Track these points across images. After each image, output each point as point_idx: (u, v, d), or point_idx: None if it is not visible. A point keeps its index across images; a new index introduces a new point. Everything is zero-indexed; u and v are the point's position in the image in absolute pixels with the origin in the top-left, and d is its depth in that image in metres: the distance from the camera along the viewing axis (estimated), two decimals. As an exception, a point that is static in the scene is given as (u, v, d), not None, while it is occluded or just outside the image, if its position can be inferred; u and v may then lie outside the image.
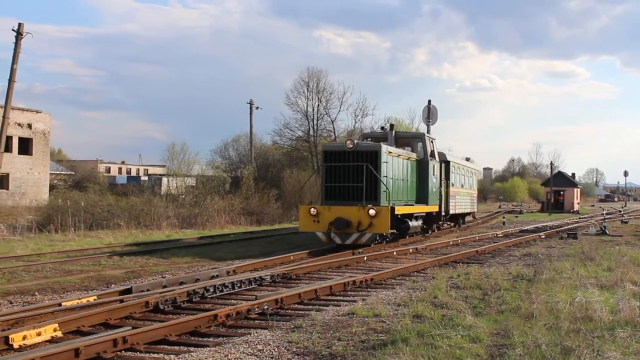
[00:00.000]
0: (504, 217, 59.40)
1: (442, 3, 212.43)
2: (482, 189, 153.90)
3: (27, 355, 9.51)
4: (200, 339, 11.76)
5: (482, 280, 18.24)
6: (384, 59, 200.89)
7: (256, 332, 11.92)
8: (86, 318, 12.39)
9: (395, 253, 26.71)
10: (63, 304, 13.89)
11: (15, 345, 10.27)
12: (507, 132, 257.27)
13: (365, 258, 24.54)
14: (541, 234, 38.73)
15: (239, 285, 16.78)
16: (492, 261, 24.67)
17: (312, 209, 26.72)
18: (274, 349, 10.69)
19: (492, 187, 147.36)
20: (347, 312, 13.92)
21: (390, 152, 28.36)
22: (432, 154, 33.78)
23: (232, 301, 15.23)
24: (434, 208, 34.54)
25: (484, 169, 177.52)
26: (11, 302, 15.46)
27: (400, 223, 29.14)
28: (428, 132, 65.38)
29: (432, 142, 34.88)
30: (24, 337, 10.48)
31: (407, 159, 31.43)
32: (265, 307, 14.08)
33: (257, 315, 13.67)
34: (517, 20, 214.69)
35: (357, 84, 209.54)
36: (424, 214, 33.02)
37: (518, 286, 17.02)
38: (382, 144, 27.46)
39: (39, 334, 10.74)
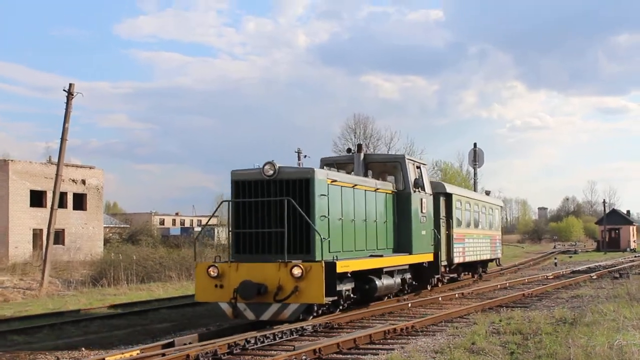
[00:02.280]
0: (555, 258, 55.90)
1: (489, 44, 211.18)
2: (536, 229, 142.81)
3: None
4: None
5: (524, 324, 17.27)
6: (432, 102, 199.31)
7: None
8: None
9: (440, 299, 24.65)
10: (106, 358, 13.64)
11: None
12: (560, 170, 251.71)
13: (409, 305, 22.62)
14: (593, 274, 35.97)
15: (280, 335, 16.06)
16: (538, 304, 23.29)
17: (212, 269, 17.38)
18: None
19: (547, 228, 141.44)
20: None
21: (335, 181, 18.63)
22: (418, 184, 23.35)
23: (272, 352, 14.57)
24: (424, 257, 24.12)
25: (539, 208, 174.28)
26: (58, 358, 15.14)
27: (363, 282, 19.81)
28: (475, 175, 58.42)
29: (418, 167, 24.34)
30: None
31: (375, 190, 21.35)
32: (303, 357, 13.41)
33: None
34: (565, 57, 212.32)
35: (405, 129, 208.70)
36: (407, 267, 22.87)
37: (560, 330, 16.17)
38: (315, 168, 17.93)
39: None
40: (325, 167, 22.91)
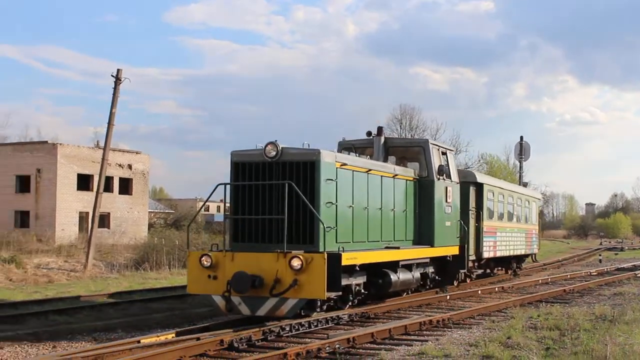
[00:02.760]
0: (600, 255, 54.84)
1: (541, 37, 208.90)
2: (583, 225, 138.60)
3: None
4: None
5: (562, 320, 16.84)
6: (481, 94, 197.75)
7: None
8: (161, 355, 12.03)
9: (479, 292, 24.29)
10: (142, 340, 13.71)
11: None
12: (610, 166, 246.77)
13: (448, 297, 22.37)
14: (638, 272, 34.75)
15: (315, 324, 15.93)
16: (579, 300, 22.75)
17: (205, 259, 15.84)
18: None
19: (594, 224, 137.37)
20: (417, 352, 13.13)
21: (345, 165, 16.82)
22: (443, 171, 21.37)
23: (307, 340, 14.60)
24: (447, 251, 22.14)
25: (586, 204, 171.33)
26: (95, 339, 15.36)
27: (376, 276, 18.10)
28: (520, 168, 57.12)
29: (443, 153, 22.35)
30: None
31: (393, 176, 19.42)
32: (337, 346, 13.32)
33: (327, 354, 12.94)
34: (619, 51, 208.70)
35: (453, 120, 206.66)
36: (428, 260, 20.99)
37: (598, 327, 15.71)
38: (322, 150, 16.04)
39: None
40: (343, 151, 20.85)
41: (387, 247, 18.46)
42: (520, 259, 33.22)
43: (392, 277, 18.07)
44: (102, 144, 42.33)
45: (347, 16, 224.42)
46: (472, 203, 25.13)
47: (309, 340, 14.54)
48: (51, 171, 55.32)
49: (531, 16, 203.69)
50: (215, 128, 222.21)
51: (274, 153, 15.79)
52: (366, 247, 17.56)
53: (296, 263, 14.87)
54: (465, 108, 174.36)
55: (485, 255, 26.10)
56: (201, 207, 20.38)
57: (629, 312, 18.36)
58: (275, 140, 15.80)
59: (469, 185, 24.96)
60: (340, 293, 15.83)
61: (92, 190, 51.36)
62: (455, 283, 24.00)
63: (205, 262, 15.80)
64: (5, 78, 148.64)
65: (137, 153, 66.42)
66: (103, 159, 36.14)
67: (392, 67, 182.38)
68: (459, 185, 22.84)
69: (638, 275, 33.51)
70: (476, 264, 26.03)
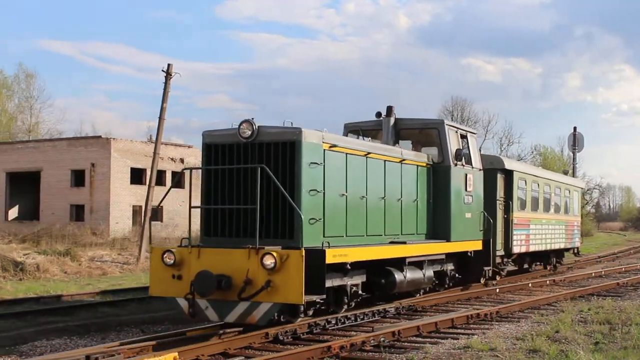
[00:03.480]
0: None
1: (596, 26, 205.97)
2: None
3: None
4: None
5: (614, 314, 16.31)
6: (534, 84, 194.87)
7: None
8: (206, 347, 11.91)
9: (530, 285, 23.46)
10: (188, 333, 13.51)
11: None
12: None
13: (497, 290, 21.53)
14: None
15: (361, 317, 15.51)
16: (632, 294, 21.75)
17: (168, 256, 13.51)
18: None
19: None
20: (463, 345, 12.86)
21: (335, 146, 14.28)
22: (461, 156, 18.62)
23: (352, 333, 14.16)
24: (467, 245, 19.33)
25: None
26: (143, 331, 15.22)
27: (378, 275, 15.81)
28: (574, 160, 54.62)
29: (463, 137, 19.59)
30: None
31: (400, 161, 16.78)
32: (382, 339, 12.96)
33: (372, 348, 12.62)
34: None
35: (506, 112, 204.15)
36: (444, 257, 18.37)
37: None
38: (305, 129, 13.51)
39: None
40: (350, 135, 18.82)
41: (391, 242, 15.93)
42: (560, 253, 30.29)
43: (396, 276, 15.63)
44: (154, 138, 42.78)
45: (399, 8, 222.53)
46: (499, 192, 22.41)
47: (355, 333, 14.10)
48: (105, 165, 55.41)
49: (587, 5, 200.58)
50: (266, 121, 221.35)
51: (249, 132, 13.42)
52: (364, 242, 15.09)
53: (269, 261, 12.38)
54: (518, 99, 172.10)
55: (516, 250, 23.33)
56: (164, 196, 16.63)
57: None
58: (252, 118, 13.43)
59: (496, 172, 22.24)
60: (323, 296, 13.07)
61: (144, 184, 51.74)
62: (482, 280, 21.21)
63: (167, 260, 13.46)
64: (61, 74, 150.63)
65: (189, 147, 66.31)
66: (155, 152, 36.15)
67: (444, 59, 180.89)
68: (482, 172, 20.12)
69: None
70: (504, 259, 23.24)
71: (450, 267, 19.03)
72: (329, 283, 13.42)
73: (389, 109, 18.78)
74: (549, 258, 28.90)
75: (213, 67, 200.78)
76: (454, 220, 18.32)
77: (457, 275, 19.54)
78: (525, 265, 28.05)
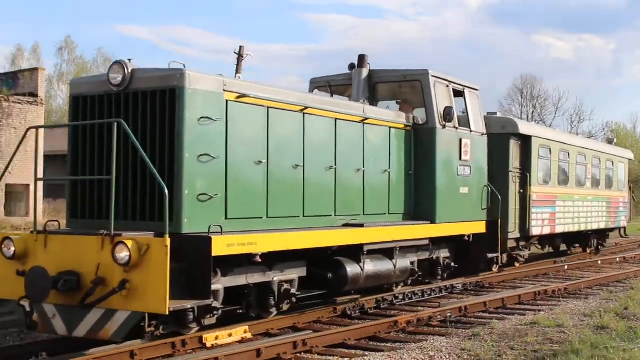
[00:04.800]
0: None
1: None
2: None
3: (213, 353, 9.23)
4: (377, 343, 10.75)
5: None
6: (607, 61, 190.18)
7: (433, 339, 10.81)
8: (275, 322, 11.49)
9: (599, 262, 22.08)
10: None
11: (208, 345, 9.84)
12: None
13: (566, 267, 20.29)
14: None
15: (429, 293, 14.83)
16: None
17: (7, 245, 9.68)
18: (445, 356, 9.81)
19: None
20: (529, 321, 12.30)
21: (245, 96, 10.31)
22: (452, 116, 14.20)
23: (419, 308, 13.70)
24: (461, 228, 15.05)
25: None
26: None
27: (325, 268, 11.94)
28: None
29: (459, 93, 15.23)
30: (216, 337, 10.10)
31: (361, 121, 12.71)
32: (448, 314, 12.58)
33: (438, 323, 12.27)
34: None
35: (577, 89, 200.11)
36: (427, 243, 14.29)
37: None
38: (190, 71, 9.57)
39: (230, 335, 10.24)
40: (316, 91, 14.84)
41: (346, 225, 11.98)
42: (602, 233, 25.41)
43: (348, 269, 11.68)
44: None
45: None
46: (513, 162, 17.77)
47: (422, 308, 13.61)
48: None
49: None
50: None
51: (119, 78, 9.51)
52: (301, 224, 11.16)
53: (122, 253, 8.47)
54: (590, 76, 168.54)
55: (535, 231, 18.65)
56: (5, 169, 11.56)
57: None
58: (129, 60, 9.58)
59: (509, 138, 17.60)
60: (209, 301, 9.22)
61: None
62: (495, 268, 17.42)
63: (6, 250, 9.60)
64: (139, 58, 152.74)
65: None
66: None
67: (515, 36, 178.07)
68: (485, 137, 15.74)
69: None
70: (520, 243, 18.83)
71: (444, 254, 14.87)
72: (228, 281, 9.80)
73: (361, 59, 14.52)
74: (588, 239, 24.27)
75: (288, 48, 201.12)
76: (441, 197, 13.94)
77: (452, 264, 15.35)
78: (561, 247, 23.65)
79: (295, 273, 11.09)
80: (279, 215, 10.68)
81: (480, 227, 15.36)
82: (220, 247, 9.05)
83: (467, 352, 10.09)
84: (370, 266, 12.25)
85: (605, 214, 24.36)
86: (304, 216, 11.18)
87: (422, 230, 13.59)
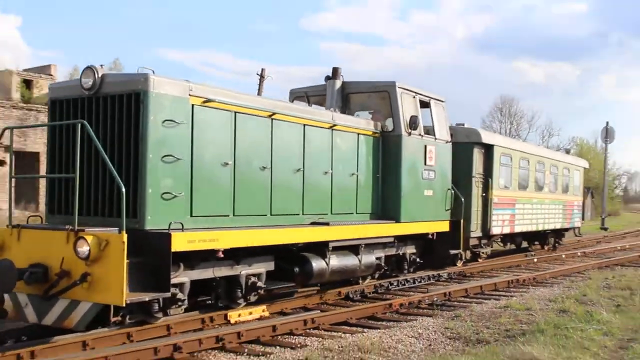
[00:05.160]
0: None
1: (629, 33, 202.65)
2: None
3: (236, 328, 9.41)
4: (375, 322, 10.96)
5: (634, 281, 15.60)
6: (574, 85, 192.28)
7: (422, 319, 11.07)
8: (289, 302, 11.68)
9: (563, 256, 22.27)
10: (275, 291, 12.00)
11: (232, 321, 10.02)
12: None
13: (535, 260, 20.64)
14: None
15: (419, 280, 14.95)
16: None
17: None
18: (432, 333, 10.06)
19: None
20: (503, 305, 12.51)
21: (210, 101, 9.80)
22: (417, 124, 13.71)
23: (411, 293, 13.72)
24: (425, 227, 14.48)
25: None
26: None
27: (293, 263, 11.46)
28: (605, 150, 49.03)
29: (425, 104, 14.57)
30: (239, 315, 10.27)
31: (330, 127, 12.18)
32: (435, 299, 12.75)
33: (426, 306, 12.44)
34: None
35: (547, 109, 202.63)
36: (393, 240, 13.74)
37: None
38: (154, 76, 9.04)
39: (250, 313, 10.37)
40: (295, 101, 14.47)
41: (313, 223, 11.41)
42: (559, 232, 24.99)
43: (313, 264, 11.18)
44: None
45: (458, 19, 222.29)
46: (477, 168, 17.32)
47: (413, 293, 13.74)
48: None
49: (620, 15, 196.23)
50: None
51: (90, 82, 9.15)
52: (268, 222, 10.58)
53: (82, 248, 8.10)
54: (558, 98, 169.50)
55: (496, 231, 18.14)
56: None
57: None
58: (101, 65, 9.21)
59: (473, 146, 17.06)
60: (168, 294, 8.69)
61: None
62: (460, 263, 16.84)
63: None
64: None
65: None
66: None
67: (496, 63, 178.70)
68: (450, 145, 15.14)
69: None
70: (482, 241, 18.31)
71: (410, 250, 14.36)
72: (195, 275, 9.30)
73: (334, 71, 14.07)
74: (546, 237, 23.98)
75: (302, 70, 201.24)
76: (406, 199, 13.39)
77: (417, 260, 14.82)
78: (523, 245, 23.39)
79: (263, 267, 10.46)
80: (246, 213, 10.07)
81: (444, 226, 14.86)
82: (181, 243, 8.51)
83: (450, 330, 10.34)
84: (336, 261, 11.69)
85: (561, 216, 24.12)
86: (271, 214, 10.59)
87: (387, 229, 13.02)
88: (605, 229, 40.87)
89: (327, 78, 14.24)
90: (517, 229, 19.41)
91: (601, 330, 10.09)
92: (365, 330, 10.43)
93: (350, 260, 12.07)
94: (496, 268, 18.54)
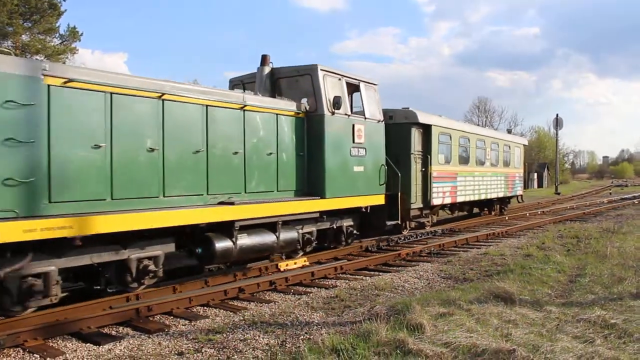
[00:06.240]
0: (610, 190, 47.98)
1: (571, 49, 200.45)
2: (600, 171, 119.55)
3: (284, 274, 9.03)
4: (388, 267, 10.47)
5: (580, 232, 14.98)
6: (531, 88, 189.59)
7: (423, 265, 10.58)
8: (324, 255, 10.93)
9: (527, 214, 21.16)
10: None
11: (282, 269, 9.59)
12: (619, 131, 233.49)
13: (506, 218, 19.47)
14: (635, 200, 30.21)
15: (420, 235, 14.19)
16: (593, 219, 19.65)
17: None
18: (430, 274, 9.69)
19: (608, 170, 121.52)
20: (483, 252, 11.98)
21: (73, 81, 6.42)
22: (340, 104, 10.21)
23: (414, 245, 12.86)
24: (358, 201, 11.09)
25: (603, 157, 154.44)
26: None
27: (198, 244, 8.13)
28: (556, 135, 45.67)
29: (353, 86, 11.07)
30: (287, 265, 9.83)
31: (241, 108, 8.78)
32: (432, 249, 12.21)
33: (426, 254, 11.86)
34: (626, 56, 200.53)
35: (512, 105, 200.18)
36: (321, 216, 10.33)
37: (604, 236, 13.92)
38: None
39: (295, 263, 9.91)
40: (235, 89, 11.13)
41: (221, 203, 8.31)
42: (504, 200, 21.49)
43: (217, 244, 8.09)
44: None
45: (444, 42, 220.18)
46: (415, 146, 14.03)
47: (415, 245, 12.69)
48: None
49: (564, 35, 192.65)
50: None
51: None
52: (160, 204, 7.52)
53: None
54: (521, 97, 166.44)
55: (436, 202, 14.87)
56: None
57: (625, 226, 16.07)
58: None
59: (411, 126, 13.79)
60: None
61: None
62: (406, 232, 14.10)
63: None
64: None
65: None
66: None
67: (473, 73, 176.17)
68: (382, 124, 11.80)
69: (635, 202, 28.47)
70: (423, 212, 14.90)
71: (347, 223, 11.37)
72: (63, 263, 6.54)
73: (263, 58, 10.77)
74: (492, 205, 20.70)
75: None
76: (331, 175, 10.21)
77: (355, 232, 11.73)
78: (476, 210, 20.59)
79: (159, 250, 7.48)
80: (128, 196, 7.02)
81: (378, 200, 11.60)
82: (11, 233, 5.55)
83: (444, 272, 9.99)
84: (246, 240, 8.50)
85: (504, 186, 20.51)
86: (164, 196, 7.47)
87: (309, 205, 9.71)
88: (559, 194, 39.68)
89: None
90: (460, 199, 16.18)
91: (556, 269, 9.65)
92: (380, 273, 9.98)
93: (265, 238, 8.86)
94: (478, 225, 17.40)
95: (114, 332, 6.35)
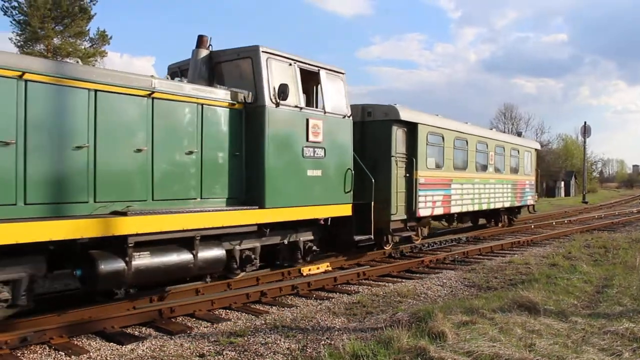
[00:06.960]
0: None
1: (599, 55, 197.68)
2: (629, 179, 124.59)
3: (307, 279, 9.28)
4: (410, 274, 10.79)
5: (608, 242, 15.14)
6: (558, 95, 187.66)
7: (446, 272, 10.87)
8: (346, 261, 11.38)
9: (554, 223, 21.71)
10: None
11: (304, 274, 9.75)
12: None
13: (532, 226, 19.69)
14: None
15: (444, 243, 14.68)
16: (622, 229, 19.78)
17: None
18: (453, 282, 9.86)
19: (638, 179, 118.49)
20: (507, 260, 12.25)
21: None
22: (286, 94, 8.35)
23: (438, 252, 13.25)
24: (312, 212, 9.11)
25: (633, 165, 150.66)
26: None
27: (76, 264, 6.39)
28: (584, 143, 43.33)
29: (310, 72, 9.23)
30: (309, 270, 9.87)
31: (148, 95, 7.08)
32: (456, 256, 12.64)
33: (449, 262, 12.25)
34: None
35: (539, 112, 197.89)
36: (261, 229, 8.41)
37: (633, 247, 14.04)
38: None
39: (317, 268, 10.05)
40: (169, 77, 8.86)
41: (115, 213, 6.76)
42: (512, 210, 19.64)
43: (101, 265, 6.45)
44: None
45: (470, 48, 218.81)
46: (397, 148, 12.14)
47: (439, 252, 13.35)
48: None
49: (592, 42, 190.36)
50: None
51: None
52: (19, 214, 5.92)
53: None
54: (548, 104, 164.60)
55: (423, 213, 12.90)
56: None
57: (656, 236, 16.17)
58: None
59: (391, 124, 11.97)
60: None
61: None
62: (388, 247, 12.43)
63: None
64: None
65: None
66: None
67: (499, 79, 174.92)
68: (349, 120, 10.11)
69: (667, 213, 27.82)
70: (410, 224, 12.77)
71: (305, 237, 9.66)
72: None
73: (199, 39, 9.04)
74: (499, 215, 19.00)
75: (355, 88, 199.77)
76: (273, 180, 8.55)
77: (314, 248, 9.78)
78: (483, 221, 18.90)
79: (20, 271, 6.01)
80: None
81: (342, 211, 9.92)
82: None
83: (467, 280, 10.42)
84: (146, 260, 6.90)
85: (511, 195, 18.78)
86: (25, 204, 6.03)
87: (243, 217, 8.06)
88: (586, 203, 38.94)
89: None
90: (455, 210, 14.56)
91: (582, 279, 9.79)
92: (403, 280, 10.35)
93: (176, 257, 7.27)
94: (503, 233, 18.19)
95: (136, 333, 6.47)
